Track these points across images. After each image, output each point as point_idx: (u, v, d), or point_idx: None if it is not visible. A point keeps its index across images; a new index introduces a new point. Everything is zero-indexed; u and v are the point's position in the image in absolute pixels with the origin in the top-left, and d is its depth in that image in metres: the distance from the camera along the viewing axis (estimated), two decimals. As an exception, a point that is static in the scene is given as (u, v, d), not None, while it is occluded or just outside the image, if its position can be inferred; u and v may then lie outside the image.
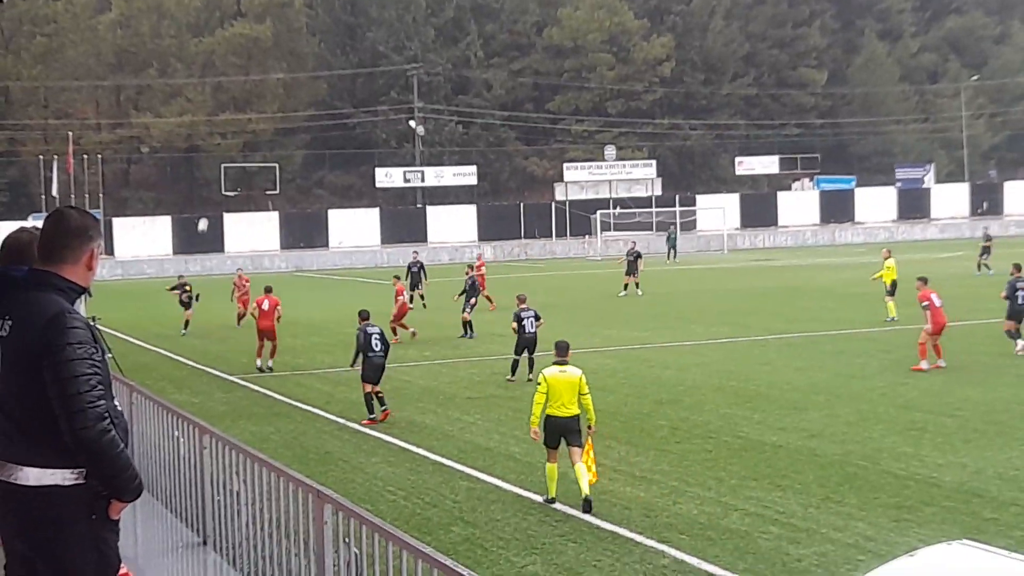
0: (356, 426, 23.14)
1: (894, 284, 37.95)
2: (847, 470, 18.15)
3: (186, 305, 41.78)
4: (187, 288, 42.16)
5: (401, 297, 37.10)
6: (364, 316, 24.50)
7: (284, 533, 8.51)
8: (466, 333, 36.24)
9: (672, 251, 76.42)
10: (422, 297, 45.61)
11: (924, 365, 27.00)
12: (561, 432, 16.70)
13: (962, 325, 34.58)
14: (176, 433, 10.96)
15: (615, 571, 13.78)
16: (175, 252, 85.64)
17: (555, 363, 16.96)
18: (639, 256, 51.77)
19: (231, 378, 30.49)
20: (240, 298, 43.13)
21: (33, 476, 5.69)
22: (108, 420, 5.64)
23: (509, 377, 27.69)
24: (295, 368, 31.71)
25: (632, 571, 13.75)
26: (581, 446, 16.56)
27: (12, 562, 6.06)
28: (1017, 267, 30.79)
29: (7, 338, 5.76)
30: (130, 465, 5.78)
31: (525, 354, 27.59)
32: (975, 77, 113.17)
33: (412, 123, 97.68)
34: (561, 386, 16.65)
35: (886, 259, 39.47)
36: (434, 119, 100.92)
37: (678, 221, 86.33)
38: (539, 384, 16.88)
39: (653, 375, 28.49)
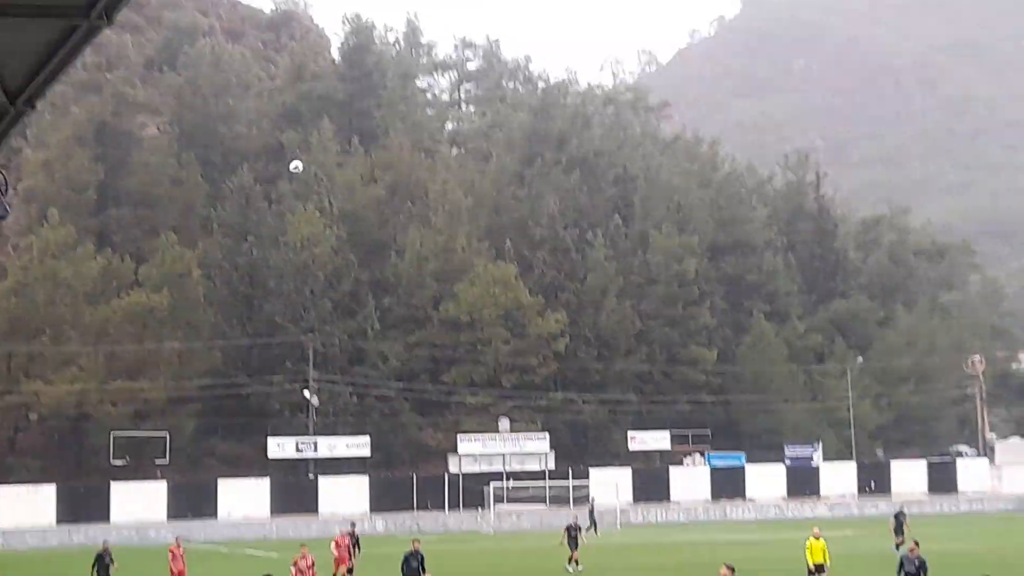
0: None
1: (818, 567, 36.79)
2: None
3: (105, 571, 40.52)
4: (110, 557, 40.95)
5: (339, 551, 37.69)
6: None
7: None
8: None
9: (594, 525, 75.28)
10: (350, 572, 43.80)
11: None
12: None
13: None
14: None
15: None
16: (59, 521, 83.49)
17: None
18: (580, 529, 51.25)
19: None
20: (175, 569, 41.65)
21: None
22: None
23: None
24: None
25: None
26: None
27: None
28: (916, 543, 31.28)
29: None
30: None
31: None
32: (860, 359, 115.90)
33: (306, 393, 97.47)
34: None
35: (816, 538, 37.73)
36: (328, 389, 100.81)
37: (593, 494, 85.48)
38: None
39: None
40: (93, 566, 40.84)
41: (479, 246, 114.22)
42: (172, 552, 41.76)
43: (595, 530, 73.80)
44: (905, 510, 61.52)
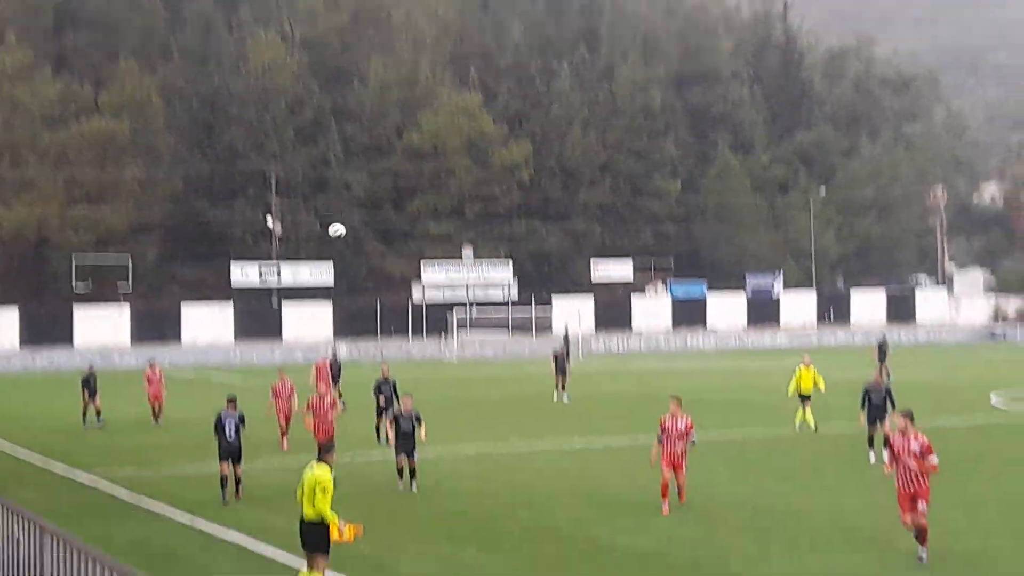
0: (204, 526, 22.72)
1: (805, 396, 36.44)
2: (698, 573, 18.28)
3: (92, 394, 40.47)
4: (95, 379, 40.84)
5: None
6: (229, 399, 26.05)
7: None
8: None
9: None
10: (340, 395, 43.48)
11: None
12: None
13: (809, 433, 35.19)
14: (16, 532, 10.65)
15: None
16: (22, 344, 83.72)
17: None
18: (568, 357, 50.11)
19: (78, 476, 29.78)
20: (152, 393, 41.61)
21: None
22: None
23: None
24: (144, 465, 31.08)
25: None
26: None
27: None
28: (880, 374, 31.64)
29: None
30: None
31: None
32: (823, 189, 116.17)
33: (268, 220, 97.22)
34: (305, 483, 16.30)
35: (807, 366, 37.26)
36: (291, 217, 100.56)
37: (569, 322, 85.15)
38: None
39: (505, 478, 28.47)
40: (82, 388, 40.84)
41: (443, 75, 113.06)
42: (148, 377, 41.73)
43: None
44: (888, 339, 61.98)
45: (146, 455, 33.05)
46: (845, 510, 23.36)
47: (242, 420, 25.92)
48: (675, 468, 23.23)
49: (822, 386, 37.06)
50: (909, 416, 19.39)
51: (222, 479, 25.45)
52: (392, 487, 26.05)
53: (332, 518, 15.99)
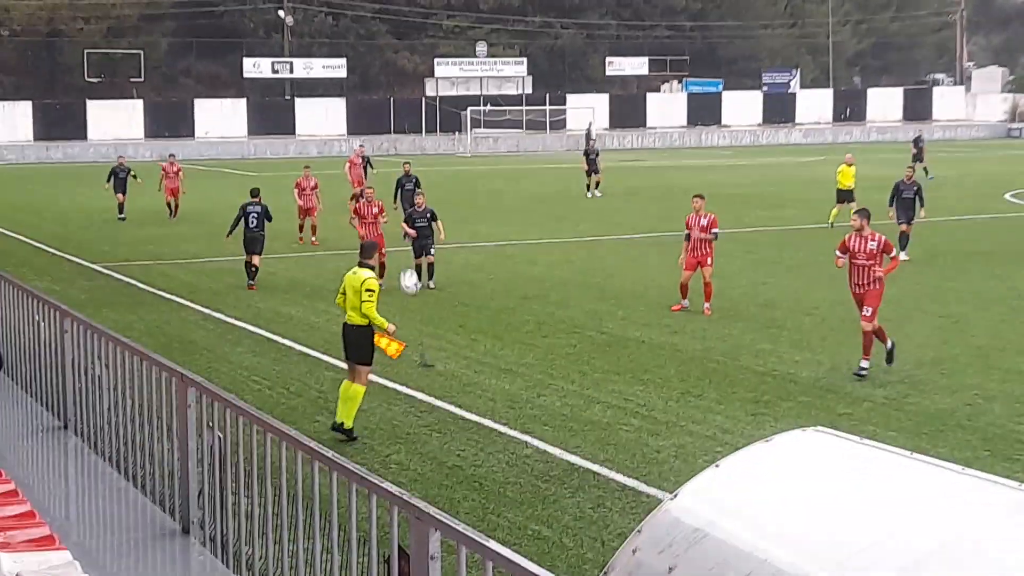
0: (221, 316, 23.02)
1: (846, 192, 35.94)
2: (707, 366, 18.52)
3: (121, 188, 40.46)
4: (128, 171, 40.78)
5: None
6: (253, 193, 27.13)
7: (147, 417, 8.48)
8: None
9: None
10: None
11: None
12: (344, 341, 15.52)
13: (822, 228, 35.22)
14: (36, 317, 10.81)
15: (479, 460, 13.95)
16: (36, 138, 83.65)
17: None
18: (598, 154, 50.13)
19: (93, 266, 30.05)
20: (169, 187, 41.54)
21: None
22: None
23: None
24: (159, 257, 31.33)
25: (495, 460, 13.94)
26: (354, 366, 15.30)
27: None
28: (912, 168, 31.51)
29: None
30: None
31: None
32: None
33: (281, 13, 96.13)
34: (347, 286, 15.27)
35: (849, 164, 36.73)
36: (304, 10, 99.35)
37: (606, 119, 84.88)
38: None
39: (520, 271, 28.66)
40: (108, 179, 40.88)
41: None
42: (164, 169, 41.58)
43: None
44: (924, 135, 61.43)
45: (161, 247, 33.28)
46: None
47: (266, 212, 26.69)
48: (700, 265, 23.07)
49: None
50: (865, 215, 18.56)
51: (246, 265, 26.32)
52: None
53: (382, 322, 15.00)
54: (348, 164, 44.04)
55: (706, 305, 22.69)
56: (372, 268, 15.36)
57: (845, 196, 35.87)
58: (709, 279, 22.93)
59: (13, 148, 79.78)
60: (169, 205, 41.07)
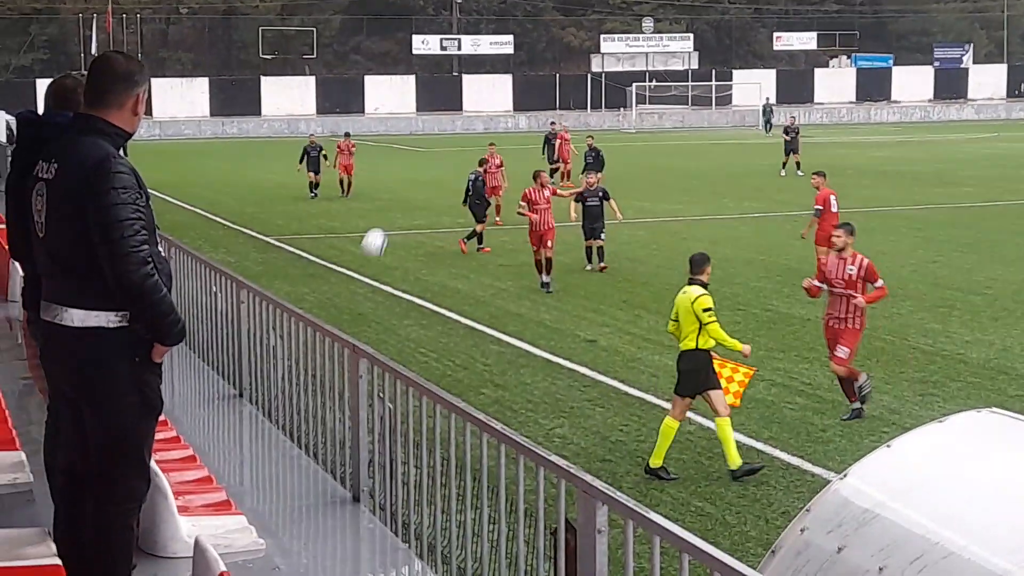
0: (390, 289, 23.36)
1: None
2: (875, 344, 18.24)
3: (314, 167, 40.91)
4: (319, 150, 41.27)
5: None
6: (480, 163, 31.01)
7: (319, 387, 8.66)
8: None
9: (768, 124, 74.83)
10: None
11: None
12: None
13: (995, 205, 34.44)
14: (213, 288, 11.10)
15: (641, 436, 13.97)
16: (212, 114, 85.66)
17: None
18: (798, 132, 48.15)
19: (267, 239, 30.71)
20: (343, 164, 41.71)
21: (78, 317, 5.70)
22: (151, 265, 5.59)
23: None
24: (330, 231, 31.87)
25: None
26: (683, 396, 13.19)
27: (58, 404, 6.13)
28: None
29: (52, 181, 5.70)
30: (173, 310, 5.76)
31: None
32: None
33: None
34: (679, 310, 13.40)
35: None
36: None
37: (773, 94, 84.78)
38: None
39: (684, 247, 28.44)
40: (301, 160, 41.24)
41: None
42: (339, 147, 41.83)
43: (769, 127, 73.87)
44: None
45: (332, 221, 33.86)
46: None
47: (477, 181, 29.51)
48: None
49: None
50: (849, 230, 15.13)
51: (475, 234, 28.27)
52: (579, 263, 25.87)
53: (733, 344, 13.21)
54: (559, 140, 44.26)
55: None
56: (704, 285, 13.43)
57: None
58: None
59: (190, 123, 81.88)
60: (342, 182, 41.26)
